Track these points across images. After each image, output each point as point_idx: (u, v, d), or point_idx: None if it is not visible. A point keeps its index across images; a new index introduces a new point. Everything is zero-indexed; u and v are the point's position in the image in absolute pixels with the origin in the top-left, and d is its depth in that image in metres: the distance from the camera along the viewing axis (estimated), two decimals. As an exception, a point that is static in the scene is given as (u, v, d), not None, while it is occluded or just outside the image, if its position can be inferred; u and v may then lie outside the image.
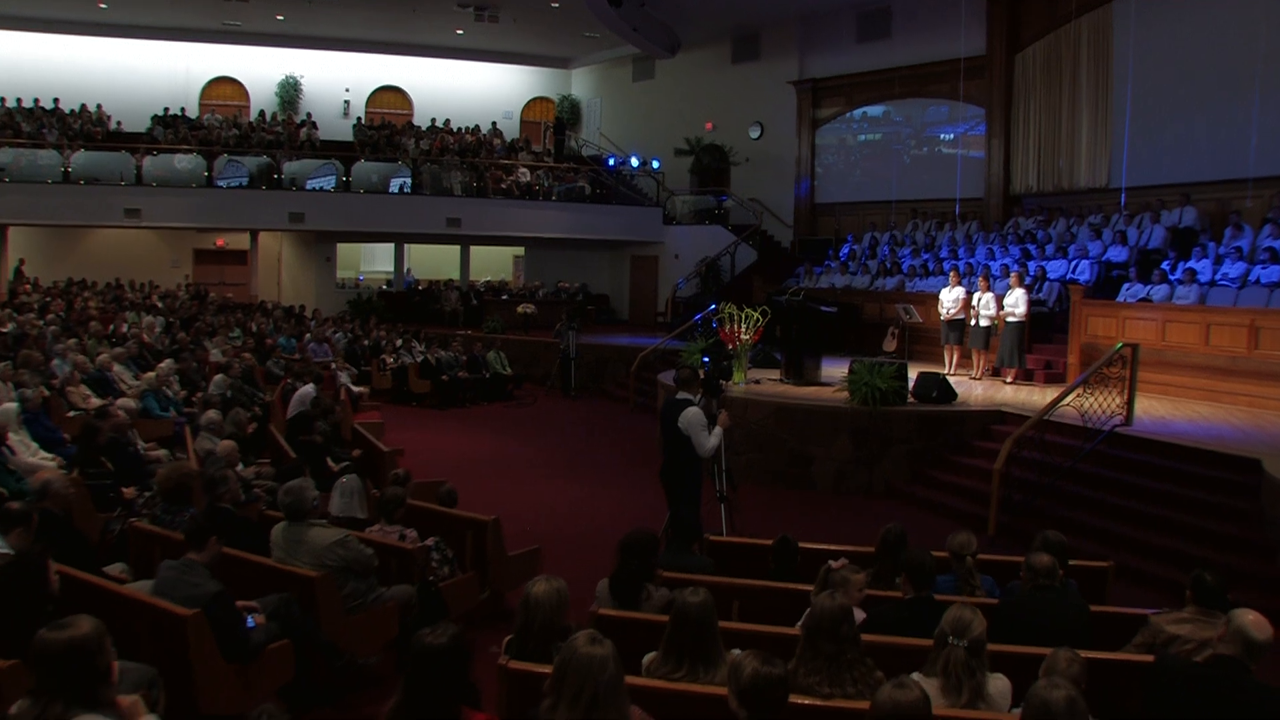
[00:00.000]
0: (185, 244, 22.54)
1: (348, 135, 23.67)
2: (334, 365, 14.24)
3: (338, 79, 25.23)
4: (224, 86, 24.68)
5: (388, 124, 24.10)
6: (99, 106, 22.12)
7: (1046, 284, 13.46)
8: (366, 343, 16.78)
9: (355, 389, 13.72)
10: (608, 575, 4.50)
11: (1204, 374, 10.70)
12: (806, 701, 3.27)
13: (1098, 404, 8.87)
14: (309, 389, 10.43)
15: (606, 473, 10.89)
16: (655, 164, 23.79)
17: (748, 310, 11.34)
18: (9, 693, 3.40)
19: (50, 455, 7.67)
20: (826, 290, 16.70)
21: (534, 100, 27.58)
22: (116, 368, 11.08)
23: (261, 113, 23.87)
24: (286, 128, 22.83)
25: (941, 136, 19.45)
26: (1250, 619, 3.53)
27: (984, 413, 10.17)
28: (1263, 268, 11.09)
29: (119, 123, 22.06)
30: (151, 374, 10.72)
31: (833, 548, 5.69)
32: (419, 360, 15.70)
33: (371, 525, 6.02)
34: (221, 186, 20.13)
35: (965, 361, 12.85)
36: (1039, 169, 17.10)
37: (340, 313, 20.58)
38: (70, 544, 5.09)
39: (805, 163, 21.66)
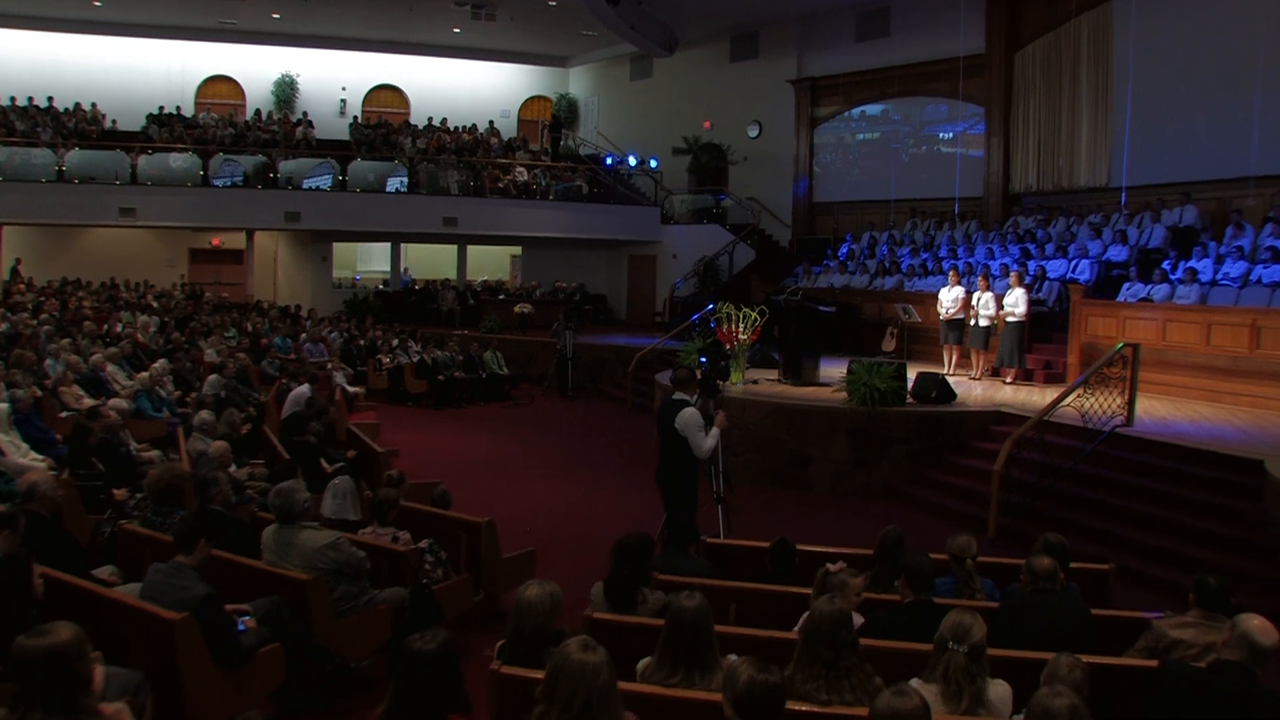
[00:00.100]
0: (181, 243, 22.48)
1: (344, 134, 23.58)
2: (330, 365, 14.18)
3: (334, 78, 25.14)
4: (220, 85, 24.59)
5: (384, 123, 24.04)
6: (94, 105, 22.01)
7: (1046, 283, 13.42)
8: (362, 343, 16.72)
9: (351, 389, 13.68)
10: (604, 578, 4.45)
11: (1205, 374, 10.66)
12: (804, 708, 3.23)
13: (1098, 404, 8.82)
14: (304, 389, 10.38)
15: (604, 473, 10.84)
16: (653, 163, 23.73)
17: (746, 310, 11.29)
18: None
19: (41, 456, 7.60)
20: (825, 290, 16.65)
21: (531, 99, 27.51)
22: (110, 368, 11.02)
23: (257, 112, 23.77)
24: (282, 127, 22.76)
25: (941, 135, 19.40)
26: (1256, 624, 3.48)
27: (983, 413, 10.12)
28: (1264, 267, 11.05)
29: (114, 121, 21.95)
30: (145, 374, 10.66)
31: (831, 550, 5.63)
32: (415, 360, 15.64)
33: (364, 527, 5.98)
34: (217, 186, 20.04)
35: (964, 361, 12.80)
36: (1039, 168, 17.06)
37: (336, 312, 20.49)
38: (58, 547, 5.03)
39: (804, 162, 21.61)
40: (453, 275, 23.43)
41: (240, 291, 21.67)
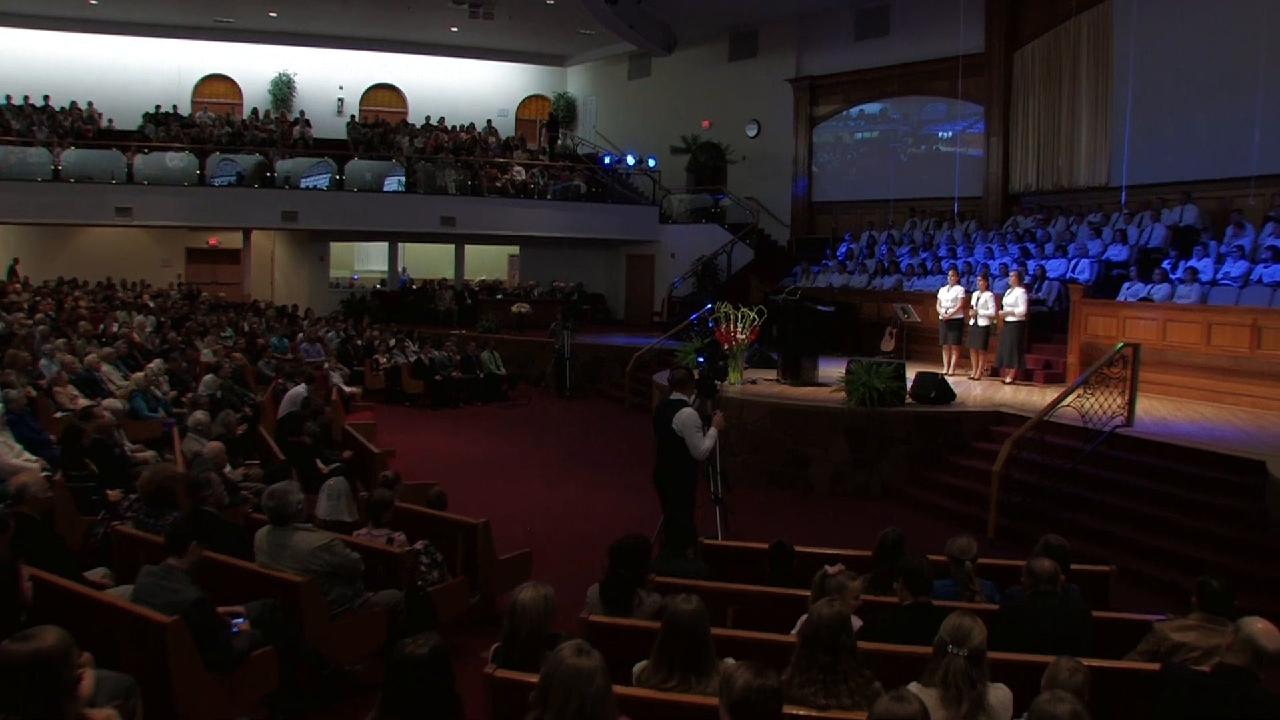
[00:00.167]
0: (178, 243, 22.44)
1: (341, 133, 23.53)
2: (326, 365, 14.13)
3: (331, 76, 25.08)
4: (216, 84, 24.52)
5: (382, 122, 23.99)
6: (90, 104, 21.95)
7: (1046, 283, 13.38)
8: (359, 342, 16.69)
9: (347, 389, 13.63)
10: (601, 580, 4.41)
11: (1206, 374, 10.63)
12: (801, 713, 3.20)
13: (1098, 405, 8.79)
14: (300, 389, 10.34)
15: (601, 473, 10.81)
16: (651, 162, 23.70)
17: (744, 310, 11.24)
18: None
19: (35, 457, 7.54)
20: (824, 289, 16.62)
21: (529, 98, 27.46)
22: (105, 368, 10.95)
23: (254, 110, 23.69)
24: (280, 126, 22.70)
25: (940, 135, 19.36)
26: (1259, 627, 3.44)
27: (983, 413, 10.08)
28: (1265, 266, 11.02)
29: (110, 120, 21.87)
30: (140, 374, 10.60)
31: (829, 551, 5.60)
32: (412, 360, 15.60)
33: (359, 529, 5.93)
34: (214, 185, 19.98)
35: (964, 361, 12.76)
36: (1038, 167, 17.01)
37: (333, 312, 20.46)
38: (49, 549, 4.98)
39: (802, 161, 21.57)
40: (450, 275, 23.38)
41: (237, 291, 21.63)
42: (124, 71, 23.06)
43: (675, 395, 6.58)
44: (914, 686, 3.29)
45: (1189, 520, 7.38)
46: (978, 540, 5.28)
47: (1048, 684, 3.26)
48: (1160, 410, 9.97)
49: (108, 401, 8.75)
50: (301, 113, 24.11)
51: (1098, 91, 15.75)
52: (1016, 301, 11.73)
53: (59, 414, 9.12)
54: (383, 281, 23.68)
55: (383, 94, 25.94)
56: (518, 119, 27.22)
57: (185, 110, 23.03)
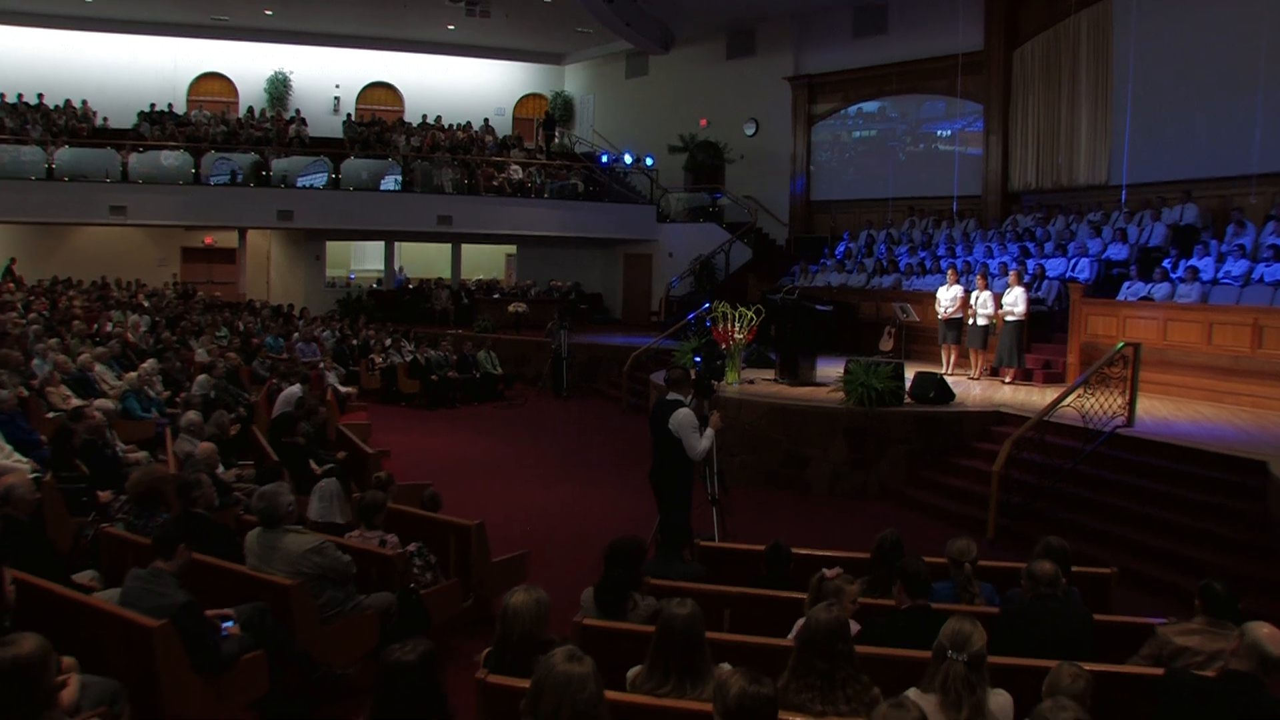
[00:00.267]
0: (173, 242, 22.38)
1: (338, 132, 23.47)
2: (322, 365, 14.06)
3: (328, 75, 25.02)
4: (212, 82, 24.45)
5: (378, 121, 23.92)
6: (84, 102, 21.86)
7: (1045, 282, 13.33)
8: (355, 342, 16.61)
9: (343, 389, 13.56)
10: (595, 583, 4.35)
11: (1206, 374, 10.59)
12: (798, 719, 3.13)
13: (1098, 404, 8.74)
14: (295, 389, 10.28)
15: (599, 473, 10.76)
16: (649, 161, 23.65)
17: (742, 309, 11.18)
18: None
19: (25, 458, 7.47)
20: (822, 289, 16.56)
21: (527, 97, 27.40)
22: (98, 368, 10.88)
23: (250, 109, 23.63)
24: (275, 124, 22.64)
25: (939, 133, 19.31)
26: (1265, 632, 3.40)
27: (982, 413, 10.03)
28: (1266, 265, 10.98)
29: (105, 119, 21.80)
30: (134, 374, 10.53)
31: (827, 553, 5.55)
32: (408, 360, 15.53)
33: (351, 530, 5.86)
34: (210, 184, 19.91)
35: (963, 361, 12.70)
36: (1038, 166, 16.96)
37: (329, 312, 20.40)
38: (36, 551, 4.92)
39: (801, 160, 21.51)
40: (447, 274, 23.32)
41: (233, 291, 21.57)
42: (119, 69, 22.98)
43: (672, 395, 6.53)
44: (913, 692, 3.26)
45: (1190, 521, 7.33)
46: (977, 540, 5.24)
47: (1049, 690, 3.23)
48: (1161, 410, 9.92)
49: (99, 402, 8.68)
50: (297, 111, 24.03)
51: (1098, 89, 15.69)
52: (1016, 301, 11.67)
53: (51, 414, 9.05)
54: (379, 281, 23.62)
55: (379, 92, 25.87)
56: (515, 118, 27.16)
57: (180, 109, 22.95)
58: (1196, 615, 4.03)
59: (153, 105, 22.14)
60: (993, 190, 17.73)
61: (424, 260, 24.68)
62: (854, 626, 3.83)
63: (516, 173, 22.29)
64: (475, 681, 3.42)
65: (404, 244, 23.91)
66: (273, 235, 22.43)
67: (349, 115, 24.71)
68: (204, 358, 12.65)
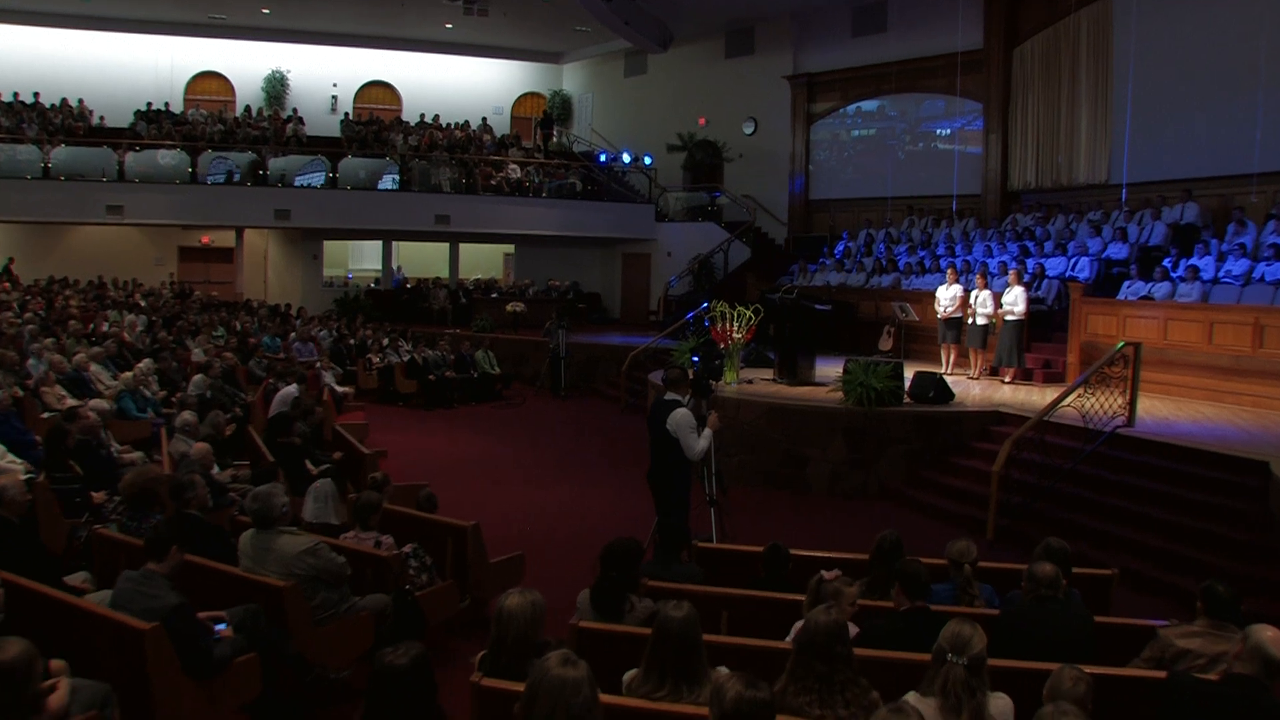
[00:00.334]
0: (170, 241, 22.31)
1: (335, 131, 23.40)
2: (318, 365, 14.01)
3: (325, 74, 24.94)
4: (209, 81, 24.36)
5: (376, 120, 23.85)
6: (80, 101, 21.75)
7: (1045, 281, 13.29)
8: (353, 342, 16.56)
9: (340, 389, 13.51)
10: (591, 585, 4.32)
11: (1207, 373, 10.55)
12: (796, 723, 3.10)
13: (1099, 404, 8.70)
14: (291, 389, 10.23)
15: (597, 473, 10.72)
16: (647, 160, 23.60)
17: (740, 308, 11.14)
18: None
19: (18, 459, 7.42)
20: (821, 288, 16.51)
21: (525, 96, 27.34)
22: (94, 367, 10.83)
23: (247, 108, 23.54)
24: (273, 123, 22.58)
25: (938, 132, 19.28)
26: (1269, 635, 3.36)
27: (982, 413, 9.99)
28: (1267, 264, 10.95)
29: (101, 118, 21.71)
30: (129, 374, 10.48)
31: (826, 555, 5.52)
32: (405, 360, 15.48)
33: (346, 531, 5.82)
34: (207, 183, 19.85)
35: (963, 361, 12.66)
36: (1037, 165, 16.92)
37: (326, 311, 20.34)
38: (27, 553, 4.88)
39: (799, 159, 21.47)
40: (445, 274, 23.27)
41: (230, 290, 21.51)
42: (115, 68, 22.88)
43: (670, 395, 6.50)
44: (912, 696, 3.23)
45: (1191, 521, 7.29)
46: (976, 540, 5.21)
47: (1050, 694, 3.21)
48: (1161, 410, 9.89)
49: (94, 402, 8.63)
50: (295, 110, 23.95)
51: (1098, 88, 15.66)
52: (1016, 300, 11.63)
53: (46, 414, 9.00)
54: (377, 280, 23.57)
55: (377, 91, 25.80)
56: (513, 117, 27.10)
57: (177, 107, 22.86)
58: (1198, 617, 4.00)
59: (149, 104, 22.07)
60: (992, 189, 17.70)
61: (422, 260, 24.62)
62: (852, 629, 3.80)
63: (514, 172, 22.24)
64: (470, 685, 3.38)
65: (402, 243, 23.84)
66: (270, 235, 22.37)
67: (346, 114, 24.65)
68: (200, 357, 12.60)
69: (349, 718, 4.71)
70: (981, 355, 12.37)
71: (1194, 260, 11.66)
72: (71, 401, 9.33)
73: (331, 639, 4.91)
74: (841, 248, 18.55)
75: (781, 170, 21.71)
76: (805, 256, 18.92)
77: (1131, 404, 8.88)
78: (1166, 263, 11.93)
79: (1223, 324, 10.31)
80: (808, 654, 3.19)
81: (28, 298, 16.04)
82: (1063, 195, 16.37)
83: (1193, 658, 3.87)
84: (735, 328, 11.05)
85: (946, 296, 12.49)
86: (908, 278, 15.56)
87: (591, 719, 2.67)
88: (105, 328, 14.11)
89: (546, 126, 25.23)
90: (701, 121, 23.30)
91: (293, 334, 15.83)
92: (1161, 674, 3.71)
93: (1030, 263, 13.71)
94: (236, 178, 20.15)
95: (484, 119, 25.19)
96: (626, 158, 23.87)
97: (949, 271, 12.80)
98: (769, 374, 11.98)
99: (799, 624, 3.68)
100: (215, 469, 7.35)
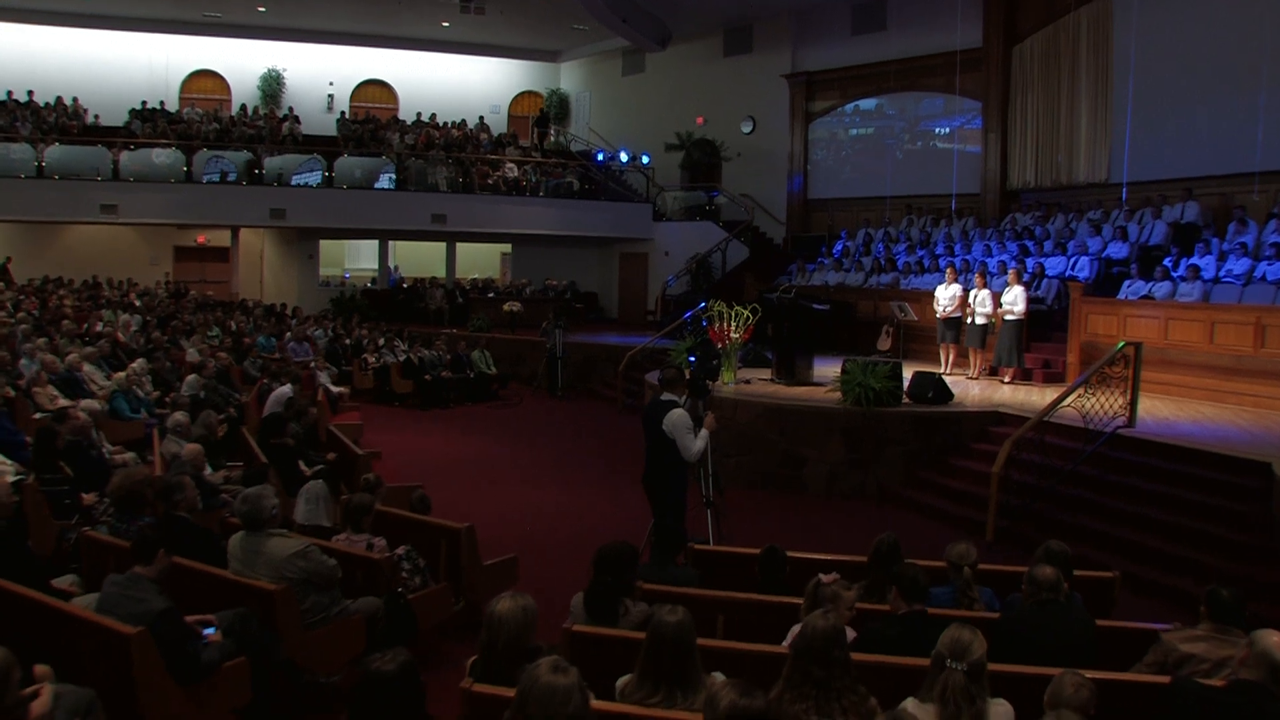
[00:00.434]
0: (165, 241, 22.25)
1: (331, 130, 23.39)
2: (314, 365, 13.95)
3: (321, 72, 24.89)
4: (204, 80, 24.30)
5: (372, 118, 23.84)
6: (75, 100, 21.68)
7: (1045, 281, 13.24)
8: (348, 342, 16.49)
9: (335, 389, 13.47)
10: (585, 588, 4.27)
11: (1208, 374, 10.49)
12: (792, 730, 3.04)
13: (1099, 405, 8.63)
14: (286, 389, 10.19)
15: (594, 474, 10.66)
16: (645, 159, 23.54)
17: (738, 308, 11.08)
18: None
19: (8, 460, 7.34)
20: (819, 287, 16.46)
21: (522, 94, 27.29)
22: (87, 367, 10.76)
23: (243, 107, 23.50)
24: (268, 122, 22.52)
25: (937, 131, 19.24)
26: (1276, 640, 3.33)
27: (981, 414, 9.93)
28: (1268, 264, 10.91)
29: (96, 116, 21.63)
30: (122, 374, 10.41)
31: (824, 557, 5.45)
32: (401, 360, 15.42)
33: (338, 534, 5.75)
34: (202, 182, 19.79)
35: (962, 361, 12.61)
36: (1037, 164, 16.87)
37: (322, 311, 20.27)
38: (13, 555, 4.81)
39: (798, 158, 21.42)
40: (442, 273, 23.21)
41: (226, 290, 21.45)
42: (110, 67, 22.81)
43: (666, 395, 6.44)
44: (910, 703, 3.20)
45: (1192, 523, 7.23)
46: (976, 542, 5.16)
47: (1051, 701, 3.17)
48: (1162, 410, 9.83)
49: (85, 402, 8.57)
50: (291, 109, 23.90)
51: (1097, 86, 15.60)
52: (1015, 300, 11.58)
53: (38, 415, 8.93)
54: (374, 280, 23.50)
55: (373, 90, 25.74)
56: (510, 115, 27.04)
57: (172, 106, 22.82)
58: (1202, 621, 3.95)
59: (144, 103, 22.01)
60: (991, 188, 17.65)
61: (418, 259, 24.56)
62: (850, 634, 3.75)
63: (512, 171, 22.19)
64: (460, 691, 3.33)
65: (398, 243, 23.78)
66: (266, 234, 22.30)
67: (343, 113, 24.63)
68: (195, 357, 12.54)
69: (339, 722, 4.66)
70: (981, 355, 12.31)
71: (1195, 259, 11.62)
72: (64, 402, 9.27)
73: (322, 643, 4.85)
74: (840, 247, 18.49)
75: (780, 169, 21.65)
76: (803, 256, 18.88)
77: (1132, 404, 8.82)
78: (1167, 262, 11.89)
79: (1224, 324, 10.25)
80: (805, 659, 3.14)
81: (21, 297, 15.97)
82: (1062, 194, 16.32)
83: (1197, 663, 3.81)
84: (733, 327, 11.00)
85: (945, 296, 12.44)
86: (906, 277, 15.51)
87: (583, 727, 2.61)
88: (99, 327, 14.04)
89: (543, 125, 25.17)
90: (699, 120, 23.25)
91: (288, 334, 15.77)
92: (1165, 679, 3.66)
93: (1030, 262, 13.66)
94: (232, 177, 20.07)
95: (481, 118, 25.15)
96: (624, 157, 23.82)
97: (948, 271, 12.75)
98: (767, 374, 11.93)
99: (796, 628, 3.62)
100: (207, 470, 7.29)
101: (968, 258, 14.94)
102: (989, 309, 11.82)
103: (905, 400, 10.08)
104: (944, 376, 10.98)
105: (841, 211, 20.71)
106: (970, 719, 3.06)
